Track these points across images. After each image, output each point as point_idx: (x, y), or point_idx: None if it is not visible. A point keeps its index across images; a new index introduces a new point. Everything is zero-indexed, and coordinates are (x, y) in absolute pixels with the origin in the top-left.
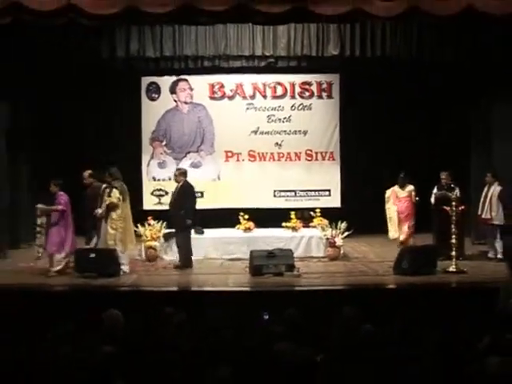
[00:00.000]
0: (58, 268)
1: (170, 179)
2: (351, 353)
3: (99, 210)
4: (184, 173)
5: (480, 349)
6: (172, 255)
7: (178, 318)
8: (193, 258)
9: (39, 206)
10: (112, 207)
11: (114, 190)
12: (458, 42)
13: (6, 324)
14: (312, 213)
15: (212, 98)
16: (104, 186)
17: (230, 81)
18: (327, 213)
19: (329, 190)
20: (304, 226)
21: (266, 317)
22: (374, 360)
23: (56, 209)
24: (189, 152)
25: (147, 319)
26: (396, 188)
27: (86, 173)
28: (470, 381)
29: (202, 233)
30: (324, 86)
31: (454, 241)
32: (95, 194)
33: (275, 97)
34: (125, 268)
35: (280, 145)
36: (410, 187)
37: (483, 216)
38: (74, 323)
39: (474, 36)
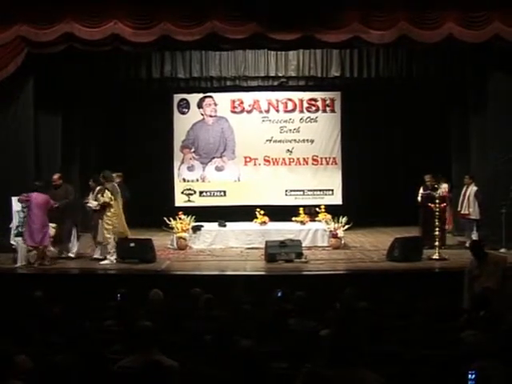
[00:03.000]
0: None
1: (197, 180)
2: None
3: (91, 204)
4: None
5: (459, 323)
6: (199, 244)
7: (205, 297)
8: (216, 247)
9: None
10: (106, 205)
11: (106, 191)
12: (439, 62)
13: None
14: (317, 209)
15: (233, 111)
16: (98, 188)
17: (248, 97)
18: (330, 209)
19: (332, 190)
20: (311, 220)
21: (279, 294)
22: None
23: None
24: (213, 157)
25: (179, 298)
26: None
27: (56, 175)
28: (449, 348)
29: (225, 226)
30: (328, 101)
31: (437, 233)
32: (64, 193)
33: (286, 111)
34: (112, 258)
35: (291, 151)
36: (444, 185)
37: (462, 212)
38: (116, 301)
39: (451, 57)
